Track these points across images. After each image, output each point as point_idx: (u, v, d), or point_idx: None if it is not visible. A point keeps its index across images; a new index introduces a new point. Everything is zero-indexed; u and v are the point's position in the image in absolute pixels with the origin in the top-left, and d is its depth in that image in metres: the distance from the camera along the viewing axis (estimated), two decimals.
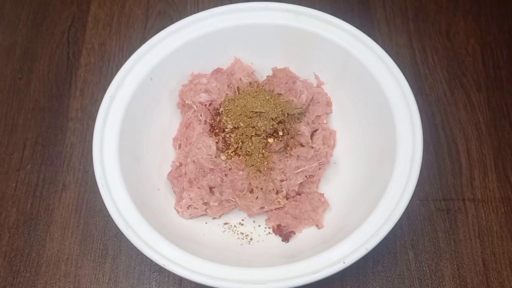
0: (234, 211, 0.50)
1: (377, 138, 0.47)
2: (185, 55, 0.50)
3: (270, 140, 0.48)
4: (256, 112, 0.48)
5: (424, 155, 0.43)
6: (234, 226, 0.49)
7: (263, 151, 0.47)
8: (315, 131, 0.51)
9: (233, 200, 0.48)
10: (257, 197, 0.48)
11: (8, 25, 0.62)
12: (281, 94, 0.50)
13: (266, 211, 0.49)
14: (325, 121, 0.51)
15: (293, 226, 0.48)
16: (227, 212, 0.49)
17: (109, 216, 0.42)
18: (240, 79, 0.51)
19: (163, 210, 0.48)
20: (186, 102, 0.50)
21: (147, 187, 0.48)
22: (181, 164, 0.49)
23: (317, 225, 0.48)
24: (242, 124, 0.48)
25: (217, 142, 0.48)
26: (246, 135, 0.48)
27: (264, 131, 0.47)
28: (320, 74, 0.52)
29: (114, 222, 0.42)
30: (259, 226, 0.49)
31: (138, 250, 0.41)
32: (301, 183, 0.48)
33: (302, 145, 0.49)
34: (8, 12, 0.63)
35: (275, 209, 0.49)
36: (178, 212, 0.48)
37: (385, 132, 0.46)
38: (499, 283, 0.48)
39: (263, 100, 0.49)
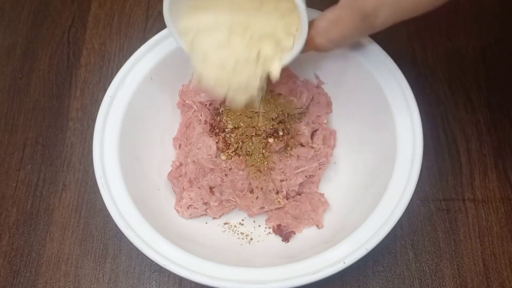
0: (234, 211, 0.50)
1: (377, 138, 0.47)
2: (185, 55, 0.50)
3: (270, 140, 0.48)
4: (256, 112, 0.48)
5: (424, 155, 0.43)
6: (234, 226, 0.49)
7: (263, 151, 0.47)
8: (315, 131, 0.51)
9: (233, 200, 0.48)
10: (257, 197, 0.48)
11: (9, 25, 0.62)
12: (281, 94, 0.50)
13: (266, 211, 0.49)
14: (325, 121, 0.51)
15: (293, 226, 0.48)
16: (227, 212, 0.49)
17: (109, 216, 0.42)
18: None
19: (163, 210, 0.48)
20: (186, 102, 0.50)
21: (147, 187, 0.48)
22: (181, 164, 0.49)
23: (317, 225, 0.48)
24: (242, 124, 0.48)
25: (217, 142, 0.48)
26: (246, 135, 0.48)
27: (264, 131, 0.47)
28: (320, 74, 0.52)
29: (114, 222, 0.42)
30: (259, 226, 0.49)
31: (138, 250, 0.41)
32: (301, 183, 0.48)
33: (302, 145, 0.49)
34: (9, 12, 0.63)
35: (275, 209, 0.49)
36: (178, 212, 0.48)
37: (385, 132, 0.46)
38: (499, 283, 0.48)
39: (263, 100, 0.49)
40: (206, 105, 0.50)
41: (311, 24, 0.39)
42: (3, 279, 0.50)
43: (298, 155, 0.48)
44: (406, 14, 0.35)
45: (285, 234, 0.48)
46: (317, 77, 0.52)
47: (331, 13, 0.38)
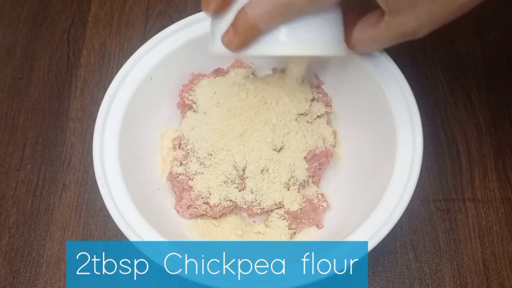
0: (234, 211, 0.50)
1: (377, 138, 0.47)
2: (185, 55, 0.50)
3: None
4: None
5: (424, 155, 0.43)
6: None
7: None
8: None
9: (233, 200, 0.48)
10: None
11: (8, 25, 0.62)
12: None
13: (267, 211, 0.49)
14: (325, 121, 0.51)
15: (293, 226, 0.48)
16: (227, 212, 0.49)
17: (109, 216, 0.42)
18: None
19: (163, 210, 0.48)
20: (186, 102, 0.50)
21: (147, 187, 0.48)
22: (181, 164, 0.49)
23: (317, 225, 0.48)
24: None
25: None
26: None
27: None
28: (320, 74, 0.52)
29: (114, 222, 0.42)
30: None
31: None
32: (301, 183, 0.48)
33: None
34: (8, 12, 0.63)
35: (275, 209, 0.49)
36: (178, 212, 0.48)
37: (385, 132, 0.46)
38: (499, 283, 0.48)
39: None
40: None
41: (349, 33, 0.41)
42: (3, 279, 0.50)
43: None
44: (444, 22, 0.38)
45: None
46: (317, 77, 0.52)
47: (371, 30, 0.40)
